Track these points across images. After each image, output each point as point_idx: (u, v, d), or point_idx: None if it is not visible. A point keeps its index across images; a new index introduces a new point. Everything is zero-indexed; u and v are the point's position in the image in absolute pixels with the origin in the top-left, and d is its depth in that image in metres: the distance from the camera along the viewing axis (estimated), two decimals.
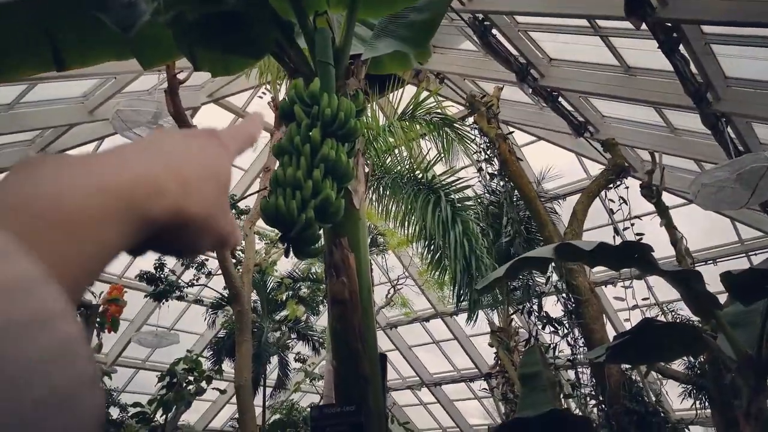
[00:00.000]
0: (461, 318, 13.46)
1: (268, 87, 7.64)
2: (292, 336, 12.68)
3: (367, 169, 2.06)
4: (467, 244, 6.65)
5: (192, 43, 2.07)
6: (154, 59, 2.51)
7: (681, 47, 5.94)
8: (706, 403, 8.45)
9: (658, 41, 5.85)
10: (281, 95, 7.14)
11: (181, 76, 5.17)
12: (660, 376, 9.18)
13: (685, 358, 8.65)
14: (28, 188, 0.27)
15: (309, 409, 13.00)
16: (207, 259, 10.75)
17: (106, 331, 7.89)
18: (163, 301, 10.05)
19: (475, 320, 7.83)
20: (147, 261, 10.65)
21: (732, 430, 4.05)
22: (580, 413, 5.68)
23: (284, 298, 11.35)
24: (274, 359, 12.99)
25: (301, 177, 1.51)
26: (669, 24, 5.70)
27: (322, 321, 13.60)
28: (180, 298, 10.54)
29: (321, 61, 1.74)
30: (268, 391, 12.79)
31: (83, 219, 0.27)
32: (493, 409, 14.61)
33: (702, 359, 8.23)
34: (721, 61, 6.42)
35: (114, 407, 11.71)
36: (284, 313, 12.09)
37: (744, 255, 10.22)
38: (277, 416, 12.73)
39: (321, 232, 1.74)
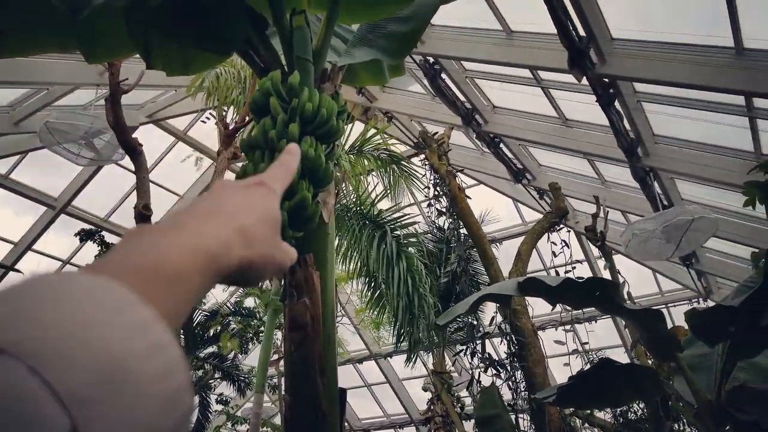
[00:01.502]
0: (396, 360, 13.23)
1: (213, 111, 7.37)
2: (216, 375, 11.93)
3: (338, 183, 1.92)
4: (410, 281, 6.56)
5: (149, 34, 1.89)
6: (100, 53, 2.29)
7: (616, 103, 6.29)
8: None
9: (596, 95, 6.17)
10: (229, 117, 6.91)
11: (125, 87, 4.85)
12: (589, 426, 9.33)
13: (609, 410, 8.86)
14: (137, 254, 0.36)
15: None
16: None
17: None
18: None
19: (414, 361, 7.66)
20: None
21: None
22: None
23: (213, 332, 10.72)
24: (194, 400, 12.14)
25: None
26: (606, 80, 6.02)
27: (250, 360, 12.95)
28: None
29: (300, 58, 1.61)
30: None
31: (178, 275, 0.36)
32: None
33: (626, 409, 8.44)
34: (650, 118, 6.84)
35: None
36: (210, 349, 11.39)
37: (664, 306, 10.75)
38: None
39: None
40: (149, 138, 9.89)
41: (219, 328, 10.67)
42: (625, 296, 4.55)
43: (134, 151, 4.98)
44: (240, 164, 8.65)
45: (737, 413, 2.41)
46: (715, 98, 5.85)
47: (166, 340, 0.30)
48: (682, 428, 4.47)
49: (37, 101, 7.59)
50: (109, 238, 9.53)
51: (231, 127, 6.16)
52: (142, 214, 4.80)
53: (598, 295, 2.38)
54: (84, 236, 8.83)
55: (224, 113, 6.99)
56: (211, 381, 12.02)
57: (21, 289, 0.27)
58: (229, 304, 11.61)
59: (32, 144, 7.97)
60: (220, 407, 12.03)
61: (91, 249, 9.05)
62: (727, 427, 2.44)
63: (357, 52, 1.86)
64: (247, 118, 6.28)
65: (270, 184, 0.53)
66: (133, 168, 5.57)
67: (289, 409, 1.82)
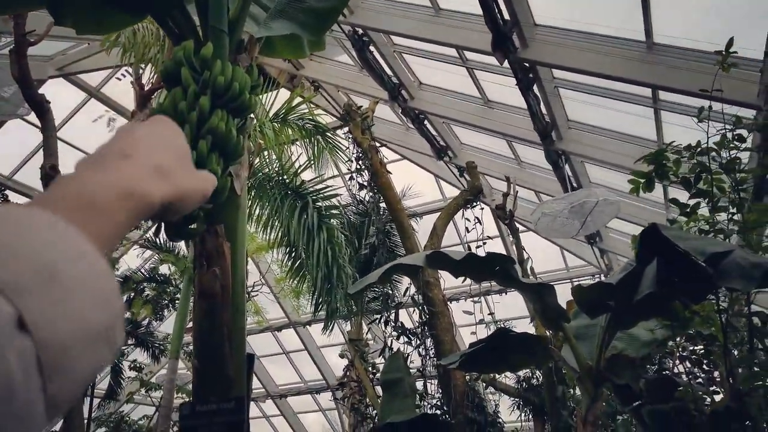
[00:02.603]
0: (314, 329, 13.38)
1: (129, 68, 6.95)
2: (129, 342, 11.55)
3: (250, 157, 1.93)
4: (330, 252, 6.63)
5: None
6: (3, 5, 2.14)
7: (535, 87, 6.58)
8: (530, 416, 9.36)
9: (516, 79, 6.41)
10: (145, 77, 6.54)
11: (32, 39, 4.47)
12: (494, 390, 9.96)
13: (513, 374, 9.49)
14: (63, 190, 0.41)
15: (144, 418, 11.93)
16: None
17: None
18: None
19: (331, 330, 7.81)
20: None
21: None
22: None
23: (126, 298, 10.32)
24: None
25: None
26: (527, 64, 6.27)
27: (165, 326, 12.63)
28: None
29: (214, 27, 1.60)
30: (96, 402, 11.48)
31: (103, 210, 0.40)
32: (336, 423, 14.66)
33: (530, 375, 9.08)
34: (565, 104, 7.21)
35: None
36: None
37: (569, 281, 11.53)
38: (104, 429, 11.50)
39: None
40: (59, 93, 9.20)
41: (132, 294, 10.31)
42: (528, 271, 4.89)
43: (41, 108, 4.65)
44: None
45: (613, 377, 2.71)
46: (626, 89, 6.23)
47: (89, 249, 0.35)
48: (571, 391, 4.91)
49: None
50: (14, 197, 8.90)
51: (147, 88, 5.87)
52: (49, 174, 4.53)
53: (498, 270, 2.56)
54: None
55: (141, 72, 6.62)
56: (123, 347, 11.63)
57: None
58: (143, 270, 11.21)
59: None
60: (133, 374, 11.70)
61: None
62: (604, 390, 2.74)
63: (275, 24, 1.86)
64: None
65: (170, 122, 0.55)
66: (40, 124, 5.21)
67: (196, 374, 1.86)
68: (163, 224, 1.36)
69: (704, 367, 2.79)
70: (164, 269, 11.07)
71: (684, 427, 2.09)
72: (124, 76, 7.41)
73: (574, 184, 8.11)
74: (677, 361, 2.93)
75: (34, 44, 4.56)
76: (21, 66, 4.38)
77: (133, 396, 11.48)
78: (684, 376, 2.88)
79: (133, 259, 12.07)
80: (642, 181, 2.51)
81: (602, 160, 7.43)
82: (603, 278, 11.10)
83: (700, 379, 2.92)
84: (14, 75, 4.39)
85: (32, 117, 6.62)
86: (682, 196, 2.61)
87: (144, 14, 1.88)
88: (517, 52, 6.04)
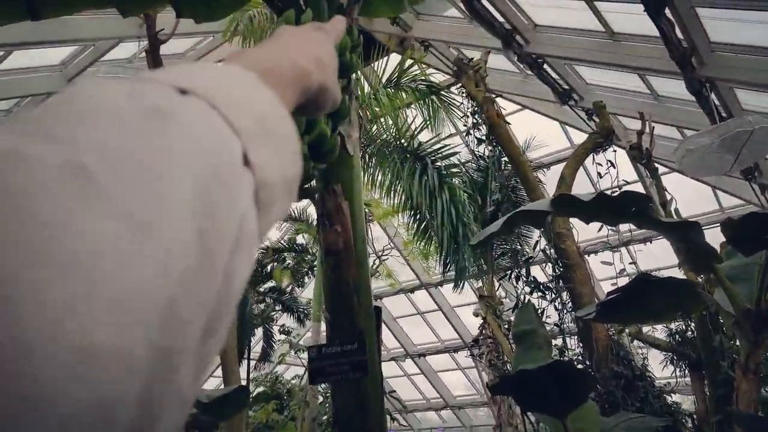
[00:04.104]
0: (446, 289, 13.55)
1: None
2: (277, 308, 12.62)
3: (360, 117, 1.97)
4: (454, 211, 6.61)
5: None
6: (131, 7, 2.37)
7: (667, 10, 5.89)
8: (686, 371, 8.67)
9: (644, 4, 5.79)
10: None
11: (162, 37, 4.93)
12: (642, 344, 9.37)
13: (665, 326, 8.83)
14: (250, 56, 0.46)
15: (296, 378, 13.05)
16: None
17: None
18: None
19: (462, 289, 7.84)
20: None
21: (720, 390, 4.10)
22: None
23: (270, 268, 11.25)
24: (259, 331, 12.94)
25: None
26: None
27: (306, 293, 13.57)
28: None
29: None
30: (252, 363, 12.78)
31: (281, 76, 0.45)
32: (476, 381, 14.85)
33: (684, 327, 8.40)
34: (705, 25, 6.39)
35: None
36: (269, 284, 11.99)
37: None
38: (261, 389, 12.74)
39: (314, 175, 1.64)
40: None
41: (275, 264, 11.18)
42: (673, 213, 4.47)
43: None
44: None
45: None
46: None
47: (286, 113, 0.39)
48: (732, 342, 4.46)
49: (86, 58, 7.84)
50: None
51: None
52: None
53: (634, 210, 2.37)
54: None
55: None
56: (272, 313, 12.74)
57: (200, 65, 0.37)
58: (282, 242, 12.07)
59: None
60: (283, 337, 12.80)
61: None
62: (766, 335, 2.45)
63: None
64: None
65: (327, 31, 0.61)
66: None
67: (329, 325, 1.98)
68: None
69: None
70: (301, 240, 11.84)
71: None
72: None
73: (723, 114, 7.21)
74: None
75: (165, 42, 5.00)
76: (156, 64, 4.84)
77: (285, 357, 12.56)
78: None
79: (273, 232, 13.06)
80: None
81: (756, 82, 6.51)
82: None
83: None
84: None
85: None
86: None
87: None
88: None
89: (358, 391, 1.76)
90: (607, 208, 2.32)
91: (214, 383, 15.95)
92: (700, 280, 4.35)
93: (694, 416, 7.04)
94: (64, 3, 2.40)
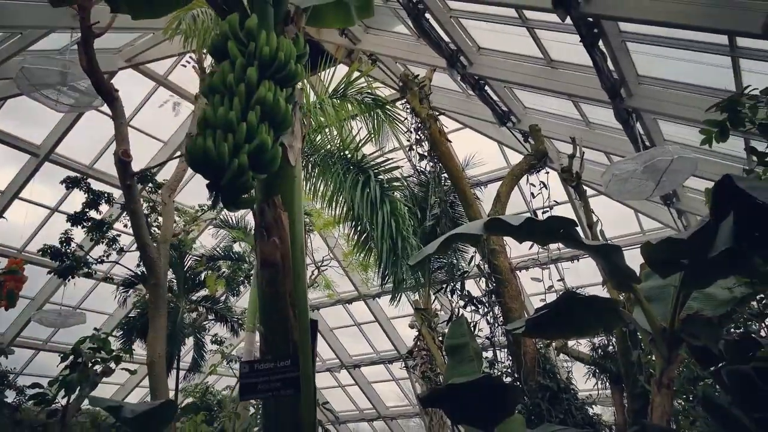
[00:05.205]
0: (383, 300, 13.62)
1: (193, 55, 7.22)
2: (210, 317, 12.25)
3: (303, 127, 1.96)
4: (394, 224, 6.68)
5: None
6: None
7: (600, 43, 6.24)
8: (607, 384, 9.13)
9: (580, 35, 6.11)
10: (207, 62, 6.77)
11: (97, 30, 4.72)
12: (567, 357, 9.79)
13: (589, 341, 9.26)
14: None
15: (227, 388, 12.68)
16: (119, 235, 10.11)
17: (2, 307, 7.21)
18: (69, 278, 9.34)
19: (399, 301, 7.91)
20: (50, 235, 9.89)
21: (637, 403, 4.36)
22: None
23: (204, 275, 10.93)
24: (190, 341, 12.51)
25: (234, 118, 1.39)
26: (591, 19, 5.95)
27: (242, 302, 13.27)
28: (88, 275, 9.84)
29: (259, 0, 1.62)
30: (182, 374, 12.31)
31: None
32: (409, 391, 14.96)
33: (606, 342, 8.83)
34: (634, 59, 6.81)
35: (9, 390, 10.80)
36: (202, 293, 11.64)
37: None
38: (190, 399, 12.29)
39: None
40: (130, 83, 9.71)
41: (209, 272, 10.87)
42: (599, 235, 4.71)
43: (110, 96, 4.92)
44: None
45: (689, 338, 2.58)
46: (699, 37, 5.81)
47: None
48: (649, 357, 4.75)
49: (11, 46, 7.39)
50: (96, 185, 9.51)
51: (208, 72, 6.07)
52: (123, 160, 4.81)
53: (561, 232, 2.48)
54: (70, 184, 8.81)
55: (204, 57, 6.85)
56: (204, 323, 12.35)
57: None
58: (218, 249, 11.76)
59: (10, 90, 7.82)
60: (215, 347, 12.43)
61: (79, 196, 9.07)
62: (679, 352, 2.62)
63: None
64: None
65: None
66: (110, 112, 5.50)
67: (264, 341, 1.95)
68: (219, 195, 1.43)
69: None
70: (237, 248, 11.58)
71: (767, 386, 1.97)
72: (189, 63, 7.69)
73: (647, 143, 7.69)
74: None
75: (99, 35, 4.79)
76: (89, 57, 4.62)
77: (216, 368, 12.20)
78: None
79: (207, 239, 12.71)
80: (715, 130, 2.34)
81: (676, 115, 6.99)
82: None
83: None
84: (83, 66, 4.65)
85: (105, 108, 7.04)
86: (762, 146, 2.42)
87: None
88: (579, 7, 5.74)
89: (289, 404, 1.74)
90: (536, 230, 2.42)
91: (140, 393, 15.24)
92: (622, 297, 4.60)
93: (613, 427, 7.40)
94: None
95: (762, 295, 2.72)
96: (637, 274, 2.73)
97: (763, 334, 2.84)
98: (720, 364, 2.50)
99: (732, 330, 2.82)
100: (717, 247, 2.07)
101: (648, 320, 2.60)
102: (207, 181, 1.53)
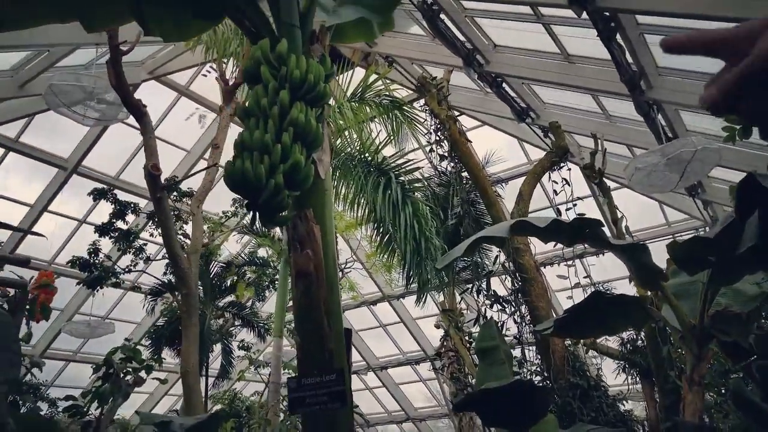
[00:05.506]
0: (408, 301, 13.66)
1: (213, 65, 7.35)
2: (236, 323, 12.41)
3: (331, 140, 2.02)
4: (417, 225, 6.72)
5: (142, 3, 1.96)
6: (98, 21, 2.35)
7: (618, 36, 6.19)
8: (637, 379, 9.05)
9: (597, 30, 6.07)
10: (228, 72, 6.90)
11: (124, 48, 4.85)
12: (596, 354, 9.73)
13: (617, 336, 9.19)
14: None
15: (255, 394, 12.81)
16: (146, 244, 10.31)
17: (35, 320, 7.42)
18: (97, 288, 9.55)
19: (424, 302, 7.95)
20: (79, 247, 10.13)
21: (668, 399, 4.33)
22: None
23: (230, 282, 11.08)
24: (217, 347, 12.69)
25: (270, 141, 1.45)
26: (607, 13, 5.91)
27: (267, 307, 13.41)
28: (116, 285, 10.05)
29: (287, 23, 1.68)
30: (210, 381, 12.51)
31: None
32: (437, 392, 14.96)
33: (635, 336, 8.75)
34: (653, 50, 6.73)
35: (42, 402, 11.08)
36: (228, 299, 11.80)
37: (671, 237, 10.88)
38: (219, 406, 12.47)
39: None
40: (153, 94, 9.90)
41: (235, 278, 11.01)
42: (623, 230, 4.69)
43: (138, 112, 5.05)
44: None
45: (719, 334, 2.58)
46: (718, 27, 5.73)
47: None
48: (680, 350, 4.71)
49: (40, 63, 7.61)
50: (122, 196, 9.73)
51: (231, 83, 6.17)
52: (152, 173, 4.94)
53: (587, 233, 2.50)
54: (97, 195, 9.02)
55: (225, 66, 6.97)
56: (231, 328, 12.52)
57: None
58: (243, 255, 11.91)
59: (38, 107, 8.05)
60: (242, 353, 12.58)
61: (106, 207, 9.28)
62: (709, 348, 2.62)
63: (344, 11, 1.92)
64: None
65: None
66: (138, 125, 5.65)
67: (300, 350, 2.00)
68: (257, 214, 1.49)
69: None
70: (262, 253, 11.71)
71: None
72: (210, 72, 7.83)
73: (669, 135, 7.60)
74: None
75: (127, 53, 4.93)
76: (118, 74, 4.76)
77: (244, 374, 12.35)
78: None
79: (233, 245, 12.88)
80: (737, 127, 2.33)
81: (698, 105, 6.88)
82: (707, 230, 10.37)
83: None
84: (112, 84, 4.79)
85: (130, 119, 7.21)
86: None
87: (220, 18, 2.01)
88: (595, 1, 5.71)
89: (330, 415, 1.80)
90: (561, 231, 2.44)
91: (168, 402, 15.50)
92: (649, 293, 4.57)
93: (645, 423, 7.33)
94: (27, 15, 2.38)
95: None
96: (664, 271, 2.74)
97: None
98: (751, 359, 2.49)
99: (764, 324, 2.80)
100: (744, 244, 2.07)
101: (677, 317, 2.61)
102: (235, 194, 1.60)
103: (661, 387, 4.66)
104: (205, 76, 8.13)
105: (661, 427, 4.41)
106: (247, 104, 1.52)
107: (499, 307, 6.42)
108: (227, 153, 11.07)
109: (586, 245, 8.84)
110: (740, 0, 5.07)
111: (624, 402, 7.10)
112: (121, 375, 7.86)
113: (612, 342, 9.63)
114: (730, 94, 0.54)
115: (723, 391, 3.45)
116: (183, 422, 2.21)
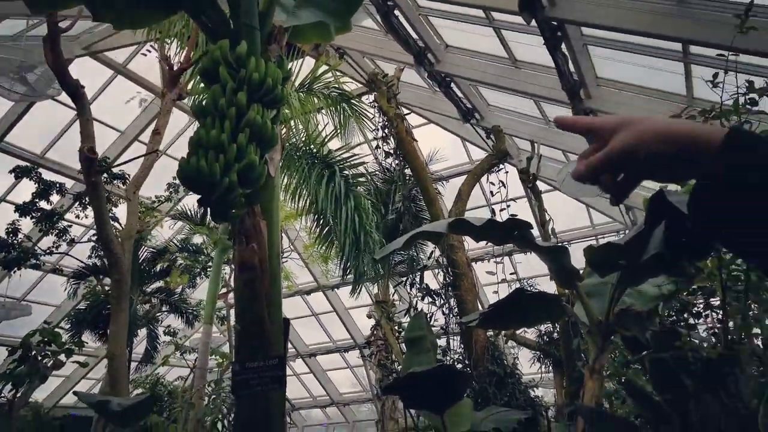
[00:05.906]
0: (342, 291, 13.78)
1: (155, 44, 7.09)
2: (164, 309, 12.10)
3: (283, 137, 2.09)
4: (358, 219, 6.82)
5: None
6: (43, 2, 2.30)
7: (563, 46, 6.48)
8: (550, 368, 9.75)
9: (544, 38, 6.31)
10: (172, 54, 6.68)
11: (63, 25, 4.61)
12: (515, 344, 10.35)
13: (536, 328, 9.82)
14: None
15: (178, 379, 12.54)
16: (70, 226, 9.85)
17: None
18: (14, 269, 9.06)
19: (359, 293, 8.09)
20: None
21: (575, 385, 4.75)
22: None
23: (159, 268, 10.78)
24: (142, 332, 12.34)
25: (225, 140, 1.51)
26: (555, 23, 6.17)
27: (198, 293, 13.15)
28: (35, 267, 9.58)
29: (246, 24, 1.73)
30: (133, 365, 12.13)
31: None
32: (363, 378, 15.23)
33: (552, 329, 9.34)
34: (594, 61, 7.09)
35: None
36: (157, 284, 11.47)
37: (594, 238, 11.58)
38: (141, 390, 12.16)
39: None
40: (86, 71, 9.43)
41: (167, 264, 10.73)
42: (550, 232, 5.02)
43: (76, 93, 4.83)
44: (185, 102, 8.41)
45: (621, 330, 2.89)
46: (656, 44, 6.12)
47: None
48: (586, 343, 5.14)
49: None
50: (47, 175, 9.21)
51: (176, 69, 6.00)
52: (89, 157, 4.77)
53: (517, 234, 2.71)
54: (20, 173, 8.56)
55: (167, 48, 6.74)
56: (158, 314, 12.20)
57: None
58: (174, 241, 11.62)
59: None
60: (168, 338, 12.29)
61: (29, 186, 8.80)
62: (612, 341, 2.93)
63: (303, 13, 1.98)
64: (192, 56, 6.10)
65: None
66: (69, 102, 5.38)
67: (238, 336, 2.08)
68: (208, 209, 1.55)
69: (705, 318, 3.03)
70: (197, 239, 11.46)
71: (681, 372, 2.28)
72: (150, 52, 7.56)
73: None
74: (686, 315, 3.13)
75: (66, 31, 4.70)
76: (55, 53, 4.53)
77: (168, 359, 12.07)
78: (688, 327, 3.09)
79: (166, 231, 12.52)
80: None
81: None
82: (627, 233, 11.06)
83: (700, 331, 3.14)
84: (49, 63, 4.54)
85: (61, 96, 6.82)
86: None
87: (177, 10, 2.02)
88: (545, 10, 5.95)
89: (266, 398, 1.89)
90: (494, 231, 2.64)
91: (86, 385, 14.89)
92: (567, 291, 4.94)
93: (552, 407, 7.89)
94: None
95: (686, 292, 3.08)
96: (581, 272, 3.01)
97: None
98: (646, 352, 2.81)
99: (666, 322, 3.15)
100: (649, 252, 2.34)
101: (587, 314, 2.88)
102: (184, 187, 1.65)
103: (569, 375, 5.11)
104: (145, 55, 7.83)
105: (564, 411, 4.88)
106: (204, 103, 1.58)
107: (430, 300, 6.68)
108: (167, 139, 10.73)
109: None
110: (674, 21, 5.46)
111: (535, 388, 7.64)
112: (40, 358, 7.53)
113: (530, 334, 10.27)
114: (594, 173, 0.73)
115: (623, 380, 3.85)
116: (121, 402, 2.23)
